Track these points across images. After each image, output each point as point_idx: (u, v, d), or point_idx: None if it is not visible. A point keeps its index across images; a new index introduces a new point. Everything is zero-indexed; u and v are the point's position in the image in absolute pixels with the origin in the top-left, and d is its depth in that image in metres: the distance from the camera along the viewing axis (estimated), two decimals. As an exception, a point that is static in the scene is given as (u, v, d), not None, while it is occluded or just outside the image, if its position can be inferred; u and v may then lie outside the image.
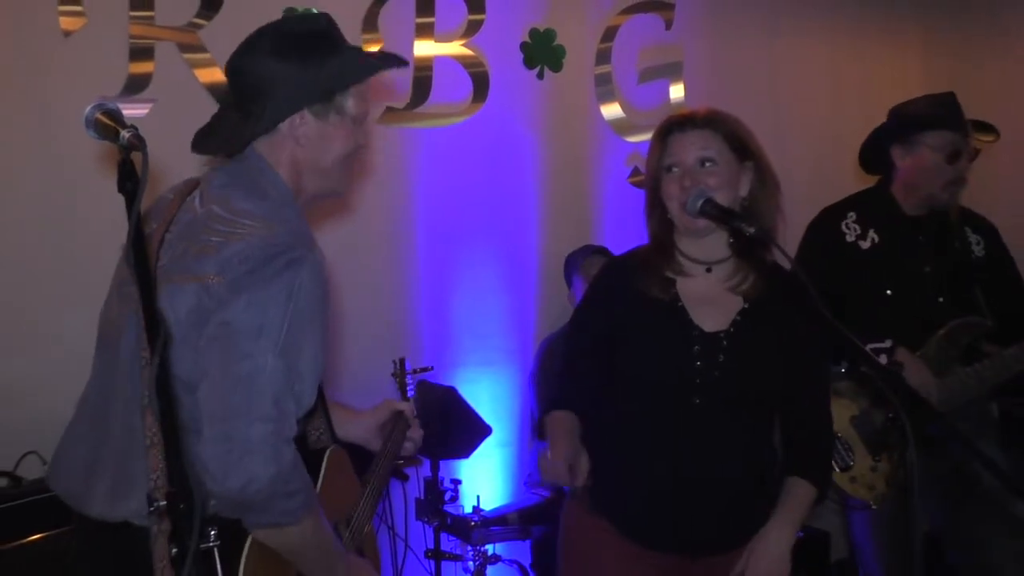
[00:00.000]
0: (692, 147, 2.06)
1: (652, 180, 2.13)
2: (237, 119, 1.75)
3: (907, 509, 2.67)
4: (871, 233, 2.87)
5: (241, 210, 1.67)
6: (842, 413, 2.70)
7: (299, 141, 1.74)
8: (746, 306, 2.10)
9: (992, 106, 3.38)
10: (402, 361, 2.69)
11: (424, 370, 2.80)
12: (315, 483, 1.80)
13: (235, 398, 1.52)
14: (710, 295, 2.11)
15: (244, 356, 1.54)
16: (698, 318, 2.09)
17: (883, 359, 2.67)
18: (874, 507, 2.75)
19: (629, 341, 2.11)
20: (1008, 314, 2.84)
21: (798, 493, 2.13)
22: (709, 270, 2.12)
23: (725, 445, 2.07)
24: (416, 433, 2.30)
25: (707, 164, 2.05)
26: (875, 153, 2.95)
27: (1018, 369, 2.71)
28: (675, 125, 2.10)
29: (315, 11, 3.31)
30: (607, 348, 2.14)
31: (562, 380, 2.28)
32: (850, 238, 2.88)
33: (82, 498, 1.67)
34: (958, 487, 2.79)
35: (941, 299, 2.82)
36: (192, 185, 1.81)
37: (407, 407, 2.31)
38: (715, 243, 2.11)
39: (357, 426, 2.21)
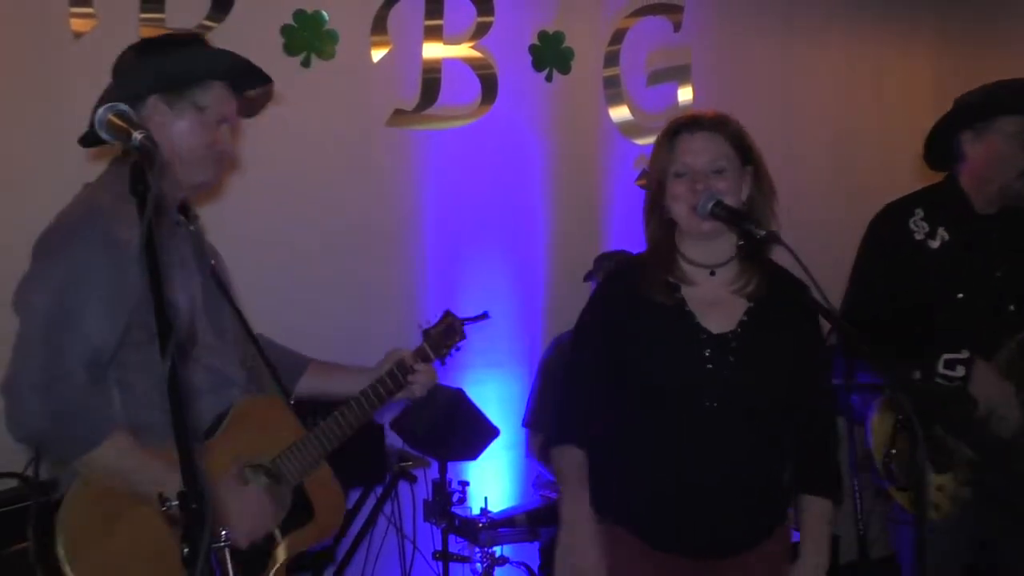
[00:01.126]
0: (703, 152, 2.05)
1: (657, 183, 2.10)
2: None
3: (963, 525, 2.66)
4: (940, 231, 2.67)
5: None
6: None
7: (153, 127, 1.82)
8: (751, 306, 2.10)
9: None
10: (447, 315, 2.55)
11: (479, 318, 2.64)
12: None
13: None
14: (715, 298, 2.10)
15: (21, 306, 1.83)
16: (705, 321, 2.08)
17: (960, 371, 2.56)
18: (939, 525, 2.61)
19: (639, 349, 2.09)
20: None
21: (817, 513, 2.14)
22: (713, 273, 2.11)
23: (736, 448, 2.07)
24: (421, 376, 2.33)
25: (717, 169, 2.05)
26: (941, 145, 2.74)
27: None
28: (683, 127, 2.08)
29: (325, 14, 3.35)
30: (614, 360, 2.11)
31: (570, 404, 2.22)
32: (918, 236, 2.67)
33: None
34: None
35: (1012, 307, 2.65)
36: None
37: (407, 354, 2.33)
38: (719, 246, 2.10)
39: (355, 380, 2.28)
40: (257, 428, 2.05)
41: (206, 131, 1.94)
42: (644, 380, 2.08)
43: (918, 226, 2.69)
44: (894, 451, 2.61)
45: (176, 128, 1.91)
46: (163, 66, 1.90)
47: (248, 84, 2.04)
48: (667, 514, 2.07)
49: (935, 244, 2.67)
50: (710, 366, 2.05)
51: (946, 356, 2.57)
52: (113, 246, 1.77)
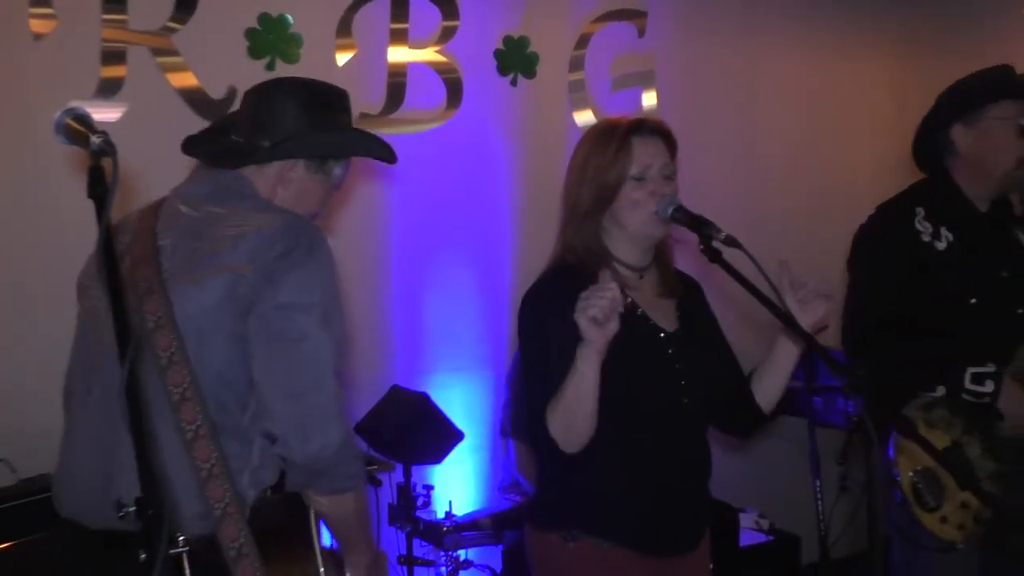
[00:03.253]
0: (659, 155, 2.07)
1: (609, 188, 2.04)
2: (238, 141, 1.89)
3: (984, 548, 2.41)
4: (944, 232, 2.49)
5: (241, 207, 1.80)
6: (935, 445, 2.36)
7: (285, 184, 1.89)
8: (674, 302, 2.16)
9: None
10: None
11: None
12: None
13: (304, 375, 1.68)
14: (650, 300, 2.12)
15: (303, 336, 1.68)
16: (657, 320, 2.10)
17: (988, 387, 2.41)
18: (960, 547, 2.42)
19: (611, 359, 1.94)
20: None
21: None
22: (642, 277, 2.13)
23: (700, 440, 2.14)
24: None
25: (668, 174, 2.07)
26: (928, 142, 2.61)
27: None
28: (634, 130, 2.06)
29: (290, 17, 3.34)
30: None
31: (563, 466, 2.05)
32: (925, 238, 2.49)
33: (101, 514, 1.65)
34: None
35: (1021, 310, 2.51)
36: (156, 204, 1.91)
37: None
38: (648, 250, 2.13)
39: None
40: None
41: (326, 197, 1.99)
42: (621, 388, 1.99)
43: (923, 226, 2.51)
44: (919, 469, 2.42)
45: (303, 188, 1.92)
46: (325, 143, 1.91)
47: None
48: (654, 513, 2.05)
49: (941, 245, 2.49)
50: (678, 365, 2.07)
51: (972, 370, 2.42)
52: None
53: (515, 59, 3.86)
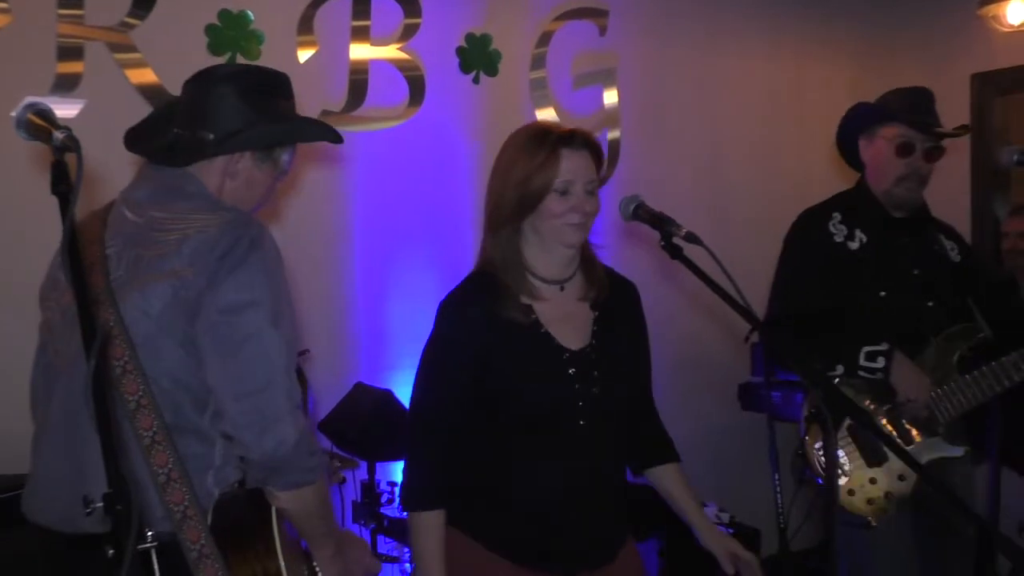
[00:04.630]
0: (585, 171, 2.02)
1: (533, 196, 2.00)
2: (181, 135, 1.86)
3: (912, 522, 2.67)
4: (858, 233, 2.79)
5: (183, 208, 1.78)
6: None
7: (233, 176, 1.88)
8: (596, 315, 2.11)
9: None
10: None
11: None
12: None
13: (254, 375, 1.67)
14: (564, 313, 2.08)
15: (250, 335, 1.68)
16: (562, 339, 2.05)
17: (880, 363, 2.65)
18: (874, 524, 2.67)
19: (506, 377, 2.01)
20: (1002, 322, 2.78)
21: (681, 474, 2.26)
22: (562, 288, 2.09)
23: (604, 459, 2.10)
24: None
25: (591, 190, 2.03)
26: (849, 148, 2.91)
27: (1018, 378, 2.63)
28: (565, 141, 2.01)
29: (250, 14, 3.32)
30: (483, 390, 2.03)
31: (424, 460, 2.07)
32: (838, 239, 2.79)
33: (72, 517, 1.62)
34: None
35: (931, 303, 2.76)
36: (104, 209, 1.89)
37: None
38: (572, 260, 2.10)
39: None
40: None
41: (274, 184, 1.98)
42: (515, 407, 2.02)
43: (837, 229, 2.79)
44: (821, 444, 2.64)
45: (251, 178, 1.91)
46: (272, 133, 1.90)
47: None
48: (542, 531, 2.04)
49: (855, 245, 2.78)
50: (577, 385, 2.03)
51: (867, 348, 2.66)
52: None
53: (477, 57, 3.87)
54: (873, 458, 2.69)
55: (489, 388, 2.02)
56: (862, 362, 2.68)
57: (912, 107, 2.77)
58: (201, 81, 1.89)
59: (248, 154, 1.88)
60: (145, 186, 1.86)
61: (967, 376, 2.68)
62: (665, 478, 2.25)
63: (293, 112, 1.98)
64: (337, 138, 2.00)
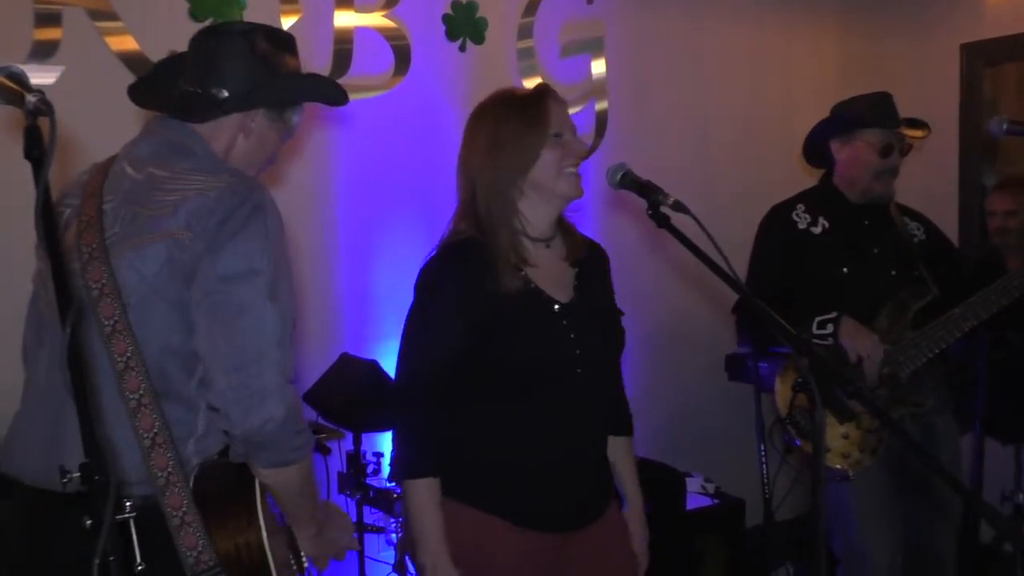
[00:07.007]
0: (568, 117, 2.15)
1: (531, 151, 2.08)
2: (190, 91, 1.83)
3: (891, 477, 2.89)
4: (821, 220, 3.04)
5: (184, 168, 1.74)
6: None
7: (247, 134, 1.86)
8: (576, 270, 2.19)
9: (902, 87, 3.46)
10: None
11: None
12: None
13: (246, 348, 1.63)
14: (548, 270, 2.14)
15: (245, 308, 1.64)
16: (552, 293, 2.12)
17: (829, 329, 2.84)
18: (852, 476, 2.85)
19: (501, 336, 2.05)
20: (953, 284, 2.99)
21: (629, 451, 2.33)
22: (548, 246, 2.16)
23: (596, 412, 2.18)
24: None
25: (576, 135, 2.17)
26: (818, 147, 3.13)
27: (966, 327, 2.84)
28: (546, 94, 2.14)
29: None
30: (479, 353, 2.05)
31: (419, 427, 2.08)
32: (802, 226, 3.04)
33: (43, 473, 1.64)
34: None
35: (894, 272, 2.99)
36: (107, 162, 1.84)
37: None
38: (555, 220, 2.18)
39: None
40: None
41: (281, 144, 1.97)
42: (514, 363, 2.06)
43: (800, 217, 3.07)
44: (796, 405, 2.79)
45: (263, 136, 1.90)
46: (291, 90, 1.91)
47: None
48: (543, 490, 2.07)
49: (817, 230, 3.04)
50: (572, 335, 2.10)
51: (818, 318, 2.86)
52: None
53: (464, 24, 3.82)
54: (843, 416, 2.85)
55: (485, 350, 2.04)
56: (815, 331, 2.86)
57: (888, 114, 3.03)
58: (211, 37, 1.86)
59: (262, 112, 1.87)
60: (149, 141, 1.82)
61: (917, 332, 2.89)
62: (615, 450, 2.30)
63: (299, 71, 1.95)
64: (344, 98, 2.01)
